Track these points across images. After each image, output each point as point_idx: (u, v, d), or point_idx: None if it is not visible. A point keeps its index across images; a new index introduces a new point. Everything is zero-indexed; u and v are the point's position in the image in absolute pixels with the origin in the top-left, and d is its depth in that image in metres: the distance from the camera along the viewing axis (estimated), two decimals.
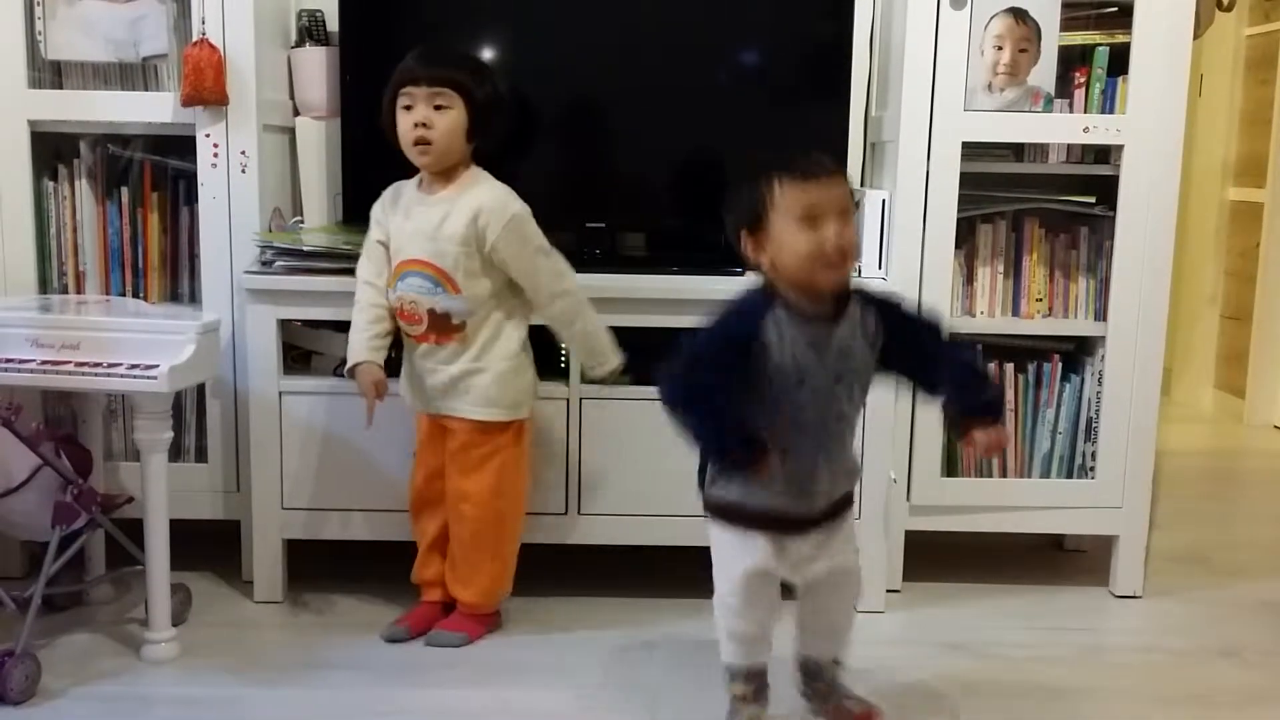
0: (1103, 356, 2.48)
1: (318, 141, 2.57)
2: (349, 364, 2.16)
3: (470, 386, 2.15)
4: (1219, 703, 2.07)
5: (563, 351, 2.37)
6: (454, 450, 2.19)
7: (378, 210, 2.20)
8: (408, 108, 2.08)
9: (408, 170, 2.17)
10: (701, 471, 1.78)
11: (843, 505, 1.79)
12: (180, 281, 2.49)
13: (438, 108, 2.07)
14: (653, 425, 2.34)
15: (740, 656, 1.79)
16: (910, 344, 1.72)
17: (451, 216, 2.10)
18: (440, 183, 2.14)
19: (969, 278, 2.52)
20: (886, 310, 1.72)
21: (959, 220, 2.42)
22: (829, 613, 1.82)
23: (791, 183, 1.61)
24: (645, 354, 2.38)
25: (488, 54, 2.56)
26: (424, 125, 2.07)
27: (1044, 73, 2.38)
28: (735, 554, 1.73)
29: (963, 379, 1.70)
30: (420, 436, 2.25)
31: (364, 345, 2.14)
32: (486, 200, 2.11)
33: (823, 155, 1.66)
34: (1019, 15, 2.36)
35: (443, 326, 2.13)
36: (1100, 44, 2.42)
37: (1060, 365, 2.53)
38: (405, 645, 2.21)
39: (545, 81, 2.54)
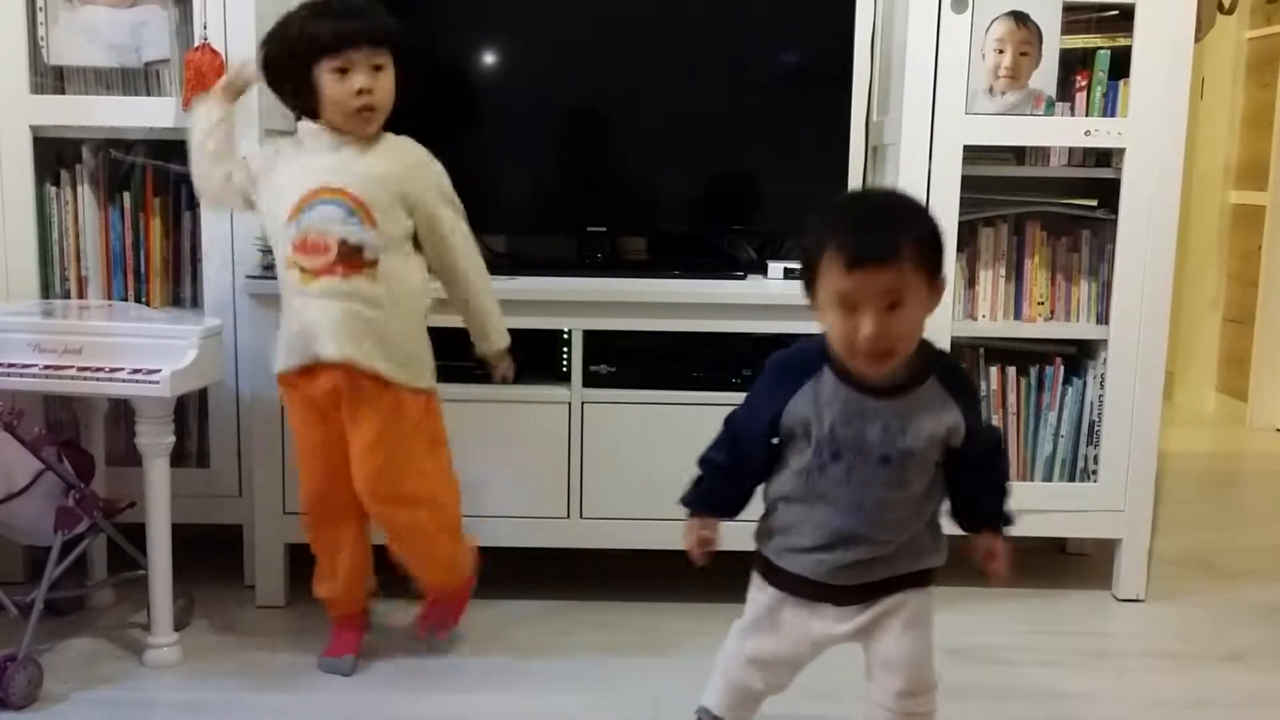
0: (1105, 360, 2.48)
1: None
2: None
3: (381, 336, 1.97)
4: (1222, 706, 2.07)
5: (564, 354, 2.37)
6: (361, 407, 1.99)
7: (265, 150, 2.08)
8: (343, 71, 1.92)
9: None
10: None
11: (897, 585, 1.57)
12: (182, 286, 2.49)
13: (376, 68, 1.94)
14: (654, 428, 2.35)
15: (717, 705, 1.65)
16: (968, 456, 1.53)
17: (373, 156, 1.98)
18: (352, 138, 1.99)
19: (970, 281, 2.52)
20: (969, 411, 1.51)
21: (960, 223, 2.42)
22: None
23: (835, 258, 1.40)
24: (645, 358, 2.39)
25: (488, 58, 2.56)
26: (368, 91, 1.93)
27: (1045, 76, 2.38)
28: (767, 613, 1.61)
29: (987, 493, 1.58)
30: (307, 422, 2.04)
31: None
32: (412, 148, 2.03)
33: (889, 231, 1.41)
34: (1020, 19, 2.36)
35: (352, 259, 1.95)
36: (1101, 47, 2.42)
37: (1062, 368, 2.53)
38: (406, 652, 2.20)
39: (546, 85, 2.55)
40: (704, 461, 1.62)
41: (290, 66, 1.96)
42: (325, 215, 1.95)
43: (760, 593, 1.63)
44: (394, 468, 2.02)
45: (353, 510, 2.08)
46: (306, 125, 2.02)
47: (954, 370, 1.54)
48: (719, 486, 1.62)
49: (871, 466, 1.48)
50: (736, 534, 2.38)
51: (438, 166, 2.05)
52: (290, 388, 2.05)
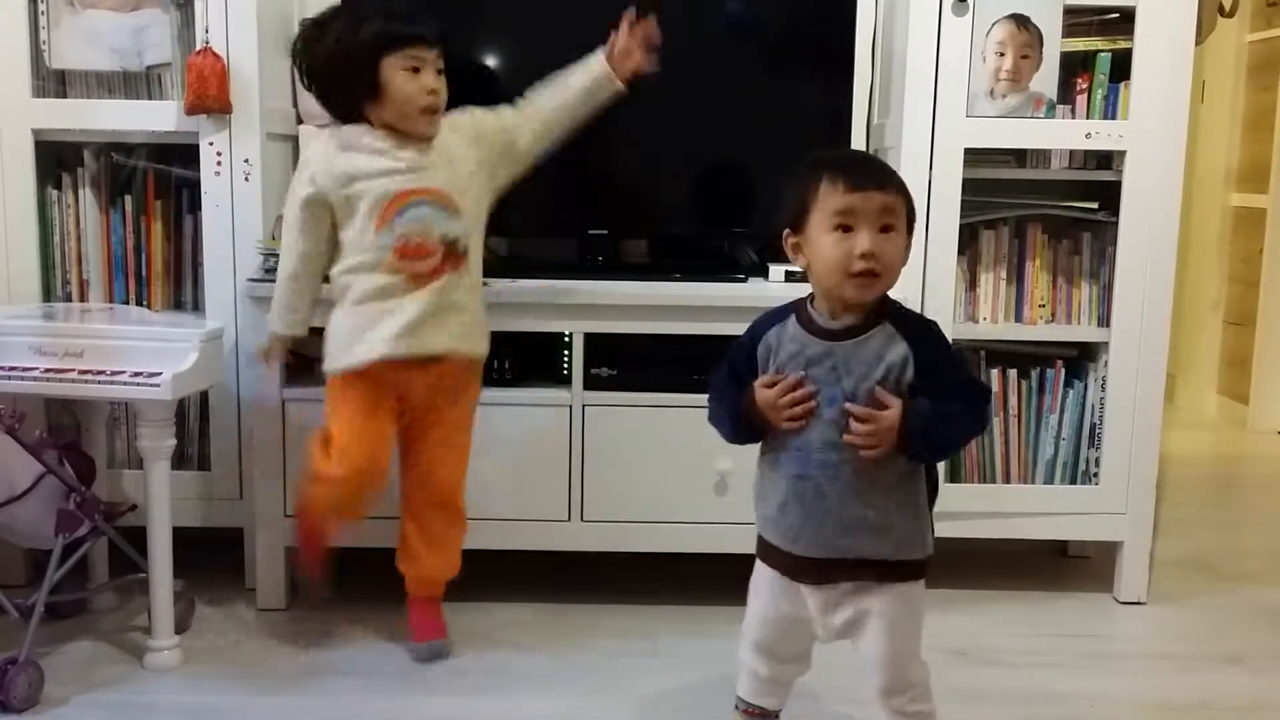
0: (1106, 362, 2.48)
1: None
2: (271, 327, 2.13)
3: (474, 319, 2.09)
4: (1223, 709, 2.07)
5: (565, 357, 2.37)
6: (448, 394, 2.10)
7: (318, 160, 2.03)
8: (415, 70, 1.98)
9: None
10: None
11: (870, 570, 1.56)
12: (183, 289, 2.49)
13: (439, 71, 2.01)
14: (655, 431, 2.36)
15: (746, 691, 1.72)
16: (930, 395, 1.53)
17: (453, 146, 2.05)
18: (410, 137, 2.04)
19: (972, 284, 2.52)
20: (923, 349, 1.53)
21: (961, 226, 2.42)
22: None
23: (832, 183, 1.50)
24: (646, 360, 2.39)
25: (489, 61, 2.56)
26: (434, 91, 2.00)
27: (1046, 79, 2.39)
28: (756, 591, 1.66)
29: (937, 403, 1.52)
30: (365, 398, 2.04)
31: (283, 317, 2.11)
32: (458, 120, 2.08)
33: (880, 163, 1.59)
34: (1021, 21, 2.37)
35: (452, 254, 2.02)
36: (1102, 50, 2.43)
37: (1063, 371, 2.53)
38: (407, 653, 2.20)
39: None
40: (711, 404, 1.66)
41: (351, 64, 1.97)
42: (421, 216, 2.00)
43: (757, 570, 1.67)
44: (460, 465, 2.16)
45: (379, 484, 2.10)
46: (353, 129, 2.03)
47: (910, 315, 1.57)
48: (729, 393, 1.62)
49: (819, 406, 1.53)
50: (734, 538, 2.38)
51: (476, 112, 2.11)
52: (360, 377, 2.04)
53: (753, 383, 1.57)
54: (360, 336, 2.03)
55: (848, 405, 1.51)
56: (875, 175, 1.52)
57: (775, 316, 1.61)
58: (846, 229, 1.49)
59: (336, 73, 2.00)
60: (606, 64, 2.13)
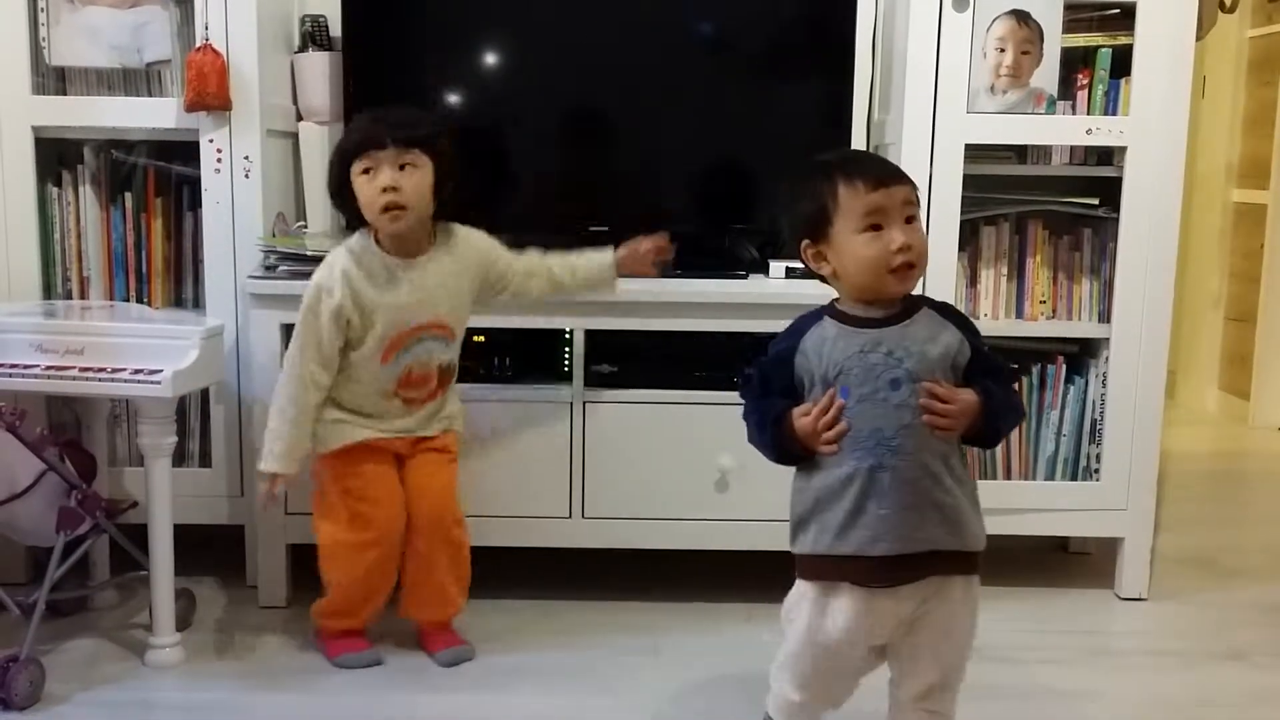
0: (1107, 358, 2.48)
1: (321, 146, 2.57)
2: (273, 467, 2.04)
3: (455, 407, 2.20)
4: (1224, 705, 2.07)
5: (566, 353, 2.37)
6: (439, 464, 2.16)
7: (340, 282, 2.02)
8: (367, 171, 1.99)
9: None
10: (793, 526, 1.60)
11: (943, 564, 1.54)
12: (184, 287, 2.49)
13: (403, 167, 1.99)
14: (656, 427, 2.35)
15: (783, 716, 1.64)
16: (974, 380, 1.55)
17: (444, 270, 2.08)
18: (415, 244, 2.07)
19: (972, 280, 2.52)
20: (970, 334, 1.56)
21: (962, 222, 2.42)
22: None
23: (851, 185, 1.50)
24: (647, 357, 2.39)
25: (490, 58, 2.56)
26: (393, 189, 1.98)
27: (1046, 75, 2.38)
28: (813, 627, 1.56)
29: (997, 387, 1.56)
30: (382, 464, 2.12)
31: (292, 456, 2.05)
32: (474, 241, 2.13)
33: (883, 158, 1.61)
34: (1021, 17, 2.36)
35: (446, 377, 2.15)
36: (1103, 46, 2.42)
37: (1064, 367, 2.53)
38: (408, 651, 2.20)
39: (547, 86, 2.55)
40: (747, 418, 1.62)
41: (334, 174, 2.05)
42: (427, 350, 2.08)
43: (801, 603, 1.58)
44: (453, 492, 2.17)
45: (402, 540, 2.13)
46: (366, 253, 2.05)
47: (943, 304, 1.60)
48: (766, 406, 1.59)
49: (883, 392, 1.50)
50: (736, 535, 2.39)
51: (497, 246, 2.16)
52: (361, 450, 2.10)
53: (790, 412, 1.54)
54: (351, 426, 2.10)
55: (926, 384, 1.49)
56: (891, 170, 1.54)
57: (805, 324, 1.57)
58: (876, 227, 1.50)
59: (331, 186, 2.08)
60: (614, 268, 2.21)
